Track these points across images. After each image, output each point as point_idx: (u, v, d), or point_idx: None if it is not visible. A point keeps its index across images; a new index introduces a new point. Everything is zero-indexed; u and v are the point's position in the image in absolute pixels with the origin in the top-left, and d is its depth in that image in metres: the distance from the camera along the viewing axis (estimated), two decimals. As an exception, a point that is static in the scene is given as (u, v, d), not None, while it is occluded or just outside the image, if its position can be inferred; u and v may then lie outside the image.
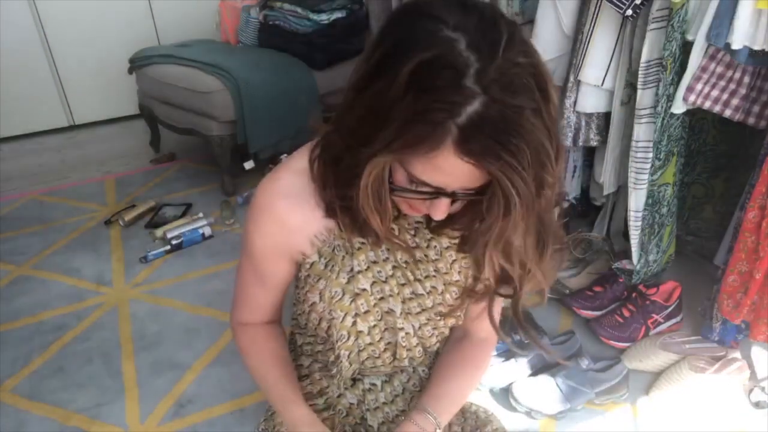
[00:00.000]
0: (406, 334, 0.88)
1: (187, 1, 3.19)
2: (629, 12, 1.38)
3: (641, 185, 1.52)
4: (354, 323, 0.85)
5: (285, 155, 2.40)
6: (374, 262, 0.84)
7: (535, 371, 1.53)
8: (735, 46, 1.24)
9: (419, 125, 0.60)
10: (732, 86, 1.35)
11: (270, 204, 0.81)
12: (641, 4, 1.37)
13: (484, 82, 0.58)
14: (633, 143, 1.49)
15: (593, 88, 1.60)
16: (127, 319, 1.82)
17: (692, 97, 1.36)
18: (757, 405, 1.45)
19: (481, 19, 0.61)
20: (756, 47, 1.24)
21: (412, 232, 0.84)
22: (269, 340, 0.97)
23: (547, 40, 1.64)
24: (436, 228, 0.83)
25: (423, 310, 0.87)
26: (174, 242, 2.13)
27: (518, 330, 1.60)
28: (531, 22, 1.69)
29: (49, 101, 3.13)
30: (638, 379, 1.53)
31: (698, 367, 1.49)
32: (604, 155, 1.70)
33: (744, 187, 1.47)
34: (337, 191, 0.75)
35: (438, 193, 0.67)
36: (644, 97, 1.44)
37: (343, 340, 0.86)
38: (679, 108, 1.40)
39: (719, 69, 1.34)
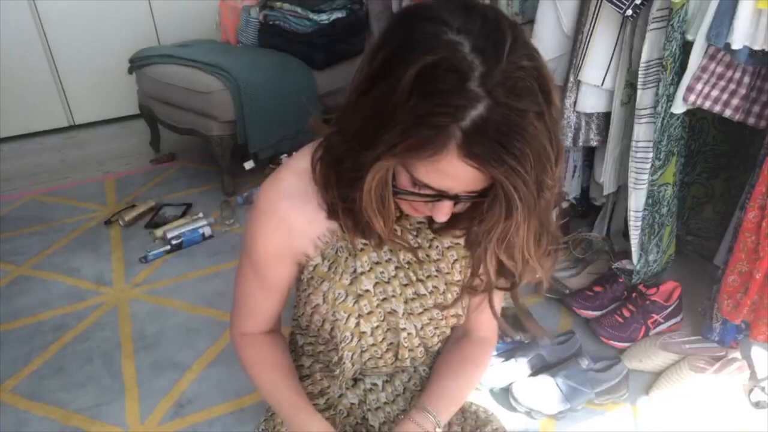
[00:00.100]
0: (409, 334, 0.88)
1: (187, 1, 3.19)
2: (629, 12, 1.38)
3: (641, 185, 1.52)
4: (357, 324, 0.85)
5: (285, 155, 2.41)
6: (377, 263, 0.84)
7: (535, 371, 1.53)
8: (735, 46, 1.24)
9: (423, 129, 0.60)
10: (732, 86, 1.35)
11: (273, 205, 0.81)
12: (641, 4, 1.37)
13: (489, 86, 0.58)
14: (633, 143, 1.49)
15: (593, 88, 1.60)
16: (127, 319, 1.82)
17: (692, 97, 1.36)
18: (757, 405, 1.46)
19: (485, 21, 0.61)
20: (756, 47, 1.24)
21: (414, 233, 0.84)
22: (274, 352, 0.95)
23: (547, 40, 1.64)
24: (438, 229, 0.83)
25: (425, 310, 0.87)
26: (174, 242, 2.13)
27: (518, 330, 1.61)
28: (531, 22, 1.69)
29: (49, 101, 3.12)
30: (638, 379, 1.54)
31: (698, 367, 1.49)
32: (604, 155, 1.70)
33: (744, 187, 1.48)
34: (340, 193, 0.75)
35: (441, 195, 0.67)
36: (644, 97, 1.44)
37: (347, 342, 0.86)
38: (679, 108, 1.40)
39: (719, 69, 1.34)
